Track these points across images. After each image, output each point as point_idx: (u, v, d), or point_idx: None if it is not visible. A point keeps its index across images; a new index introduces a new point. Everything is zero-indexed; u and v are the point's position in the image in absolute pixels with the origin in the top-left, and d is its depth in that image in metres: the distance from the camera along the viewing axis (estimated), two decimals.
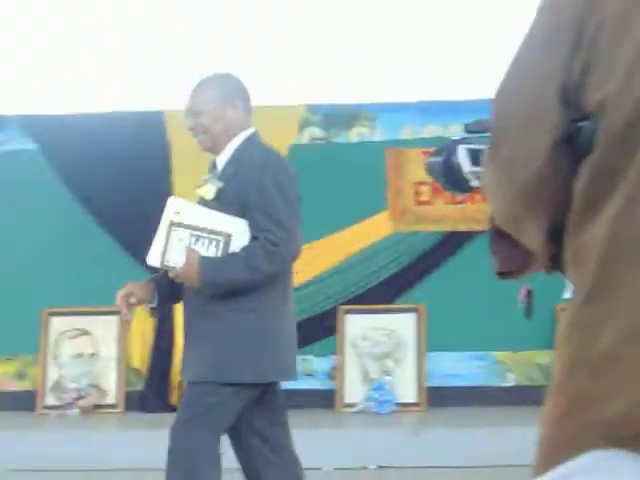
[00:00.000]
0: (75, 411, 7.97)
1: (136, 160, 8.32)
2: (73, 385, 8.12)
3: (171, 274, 3.75)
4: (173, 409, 7.96)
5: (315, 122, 8.53)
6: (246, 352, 3.73)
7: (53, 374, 8.24)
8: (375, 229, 8.35)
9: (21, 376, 8.40)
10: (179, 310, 8.31)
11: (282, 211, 3.76)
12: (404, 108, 8.36)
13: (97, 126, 8.42)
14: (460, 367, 8.17)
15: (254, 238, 3.70)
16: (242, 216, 3.73)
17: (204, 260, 3.66)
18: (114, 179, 8.35)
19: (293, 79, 8.69)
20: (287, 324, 3.88)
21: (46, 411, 8.05)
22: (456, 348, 8.14)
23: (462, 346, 8.13)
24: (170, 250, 3.71)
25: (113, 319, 8.24)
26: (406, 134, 8.39)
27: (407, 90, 8.50)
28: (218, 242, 3.65)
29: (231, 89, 3.99)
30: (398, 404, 7.86)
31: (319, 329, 8.27)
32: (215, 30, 8.70)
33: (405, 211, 8.37)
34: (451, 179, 2.12)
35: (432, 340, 8.08)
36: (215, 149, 3.98)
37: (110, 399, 8.18)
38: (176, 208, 3.76)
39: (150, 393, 8.21)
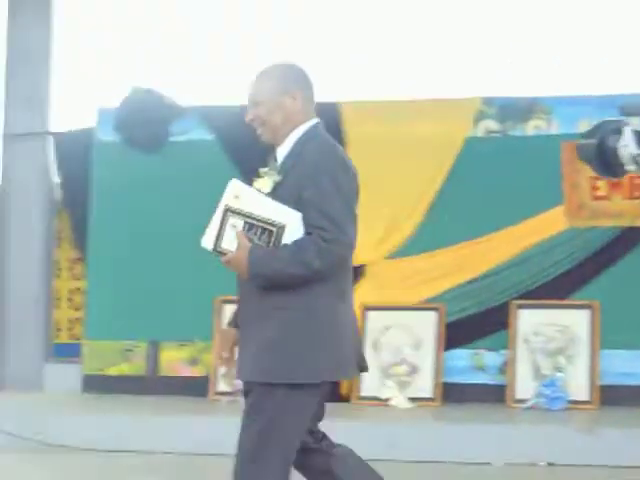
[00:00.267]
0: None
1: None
2: None
3: (222, 260, 3.68)
4: (343, 399, 8.04)
5: (491, 115, 8.43)
6: (297, 351, 3.59)
7: None
8: (550, 224, 8.20)
9: (194, 362, 8.60)
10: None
11: (337, 209, 3.60)
12: (581, 101, 8.18)
13: None
14: (635, 366, 7.96)
15: (308, 234, 3.58)
16: (298, 209, 3.62)
17: (254, 249, 3.58)
18: None
19: (469, 71, 8.62)
20: (342, 323, 3.71)
21: (217, 397, 8.22)
22: (631, 346, 7.93)
23: (637, 344, 7.92)
24: (224, 235, 3.64)
25: None
26: (583, 128, 8.19)
27: (585, 83, 8.32)
28: (271, 232, 3.57)
29: (290, 79, 3.81)
30: (570, 401, 7.71)
31: (492, 323, 8.19)
32: (402, 23, 8.71)
33: (582, 206, 8.19)
34: (605, 162, 2.00)
35: (606, 337, 7.89)
36: (275, 141, 3.84)
37: None
38: (236, 192, 3.67)
39: None
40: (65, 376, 8.80)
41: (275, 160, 3.82)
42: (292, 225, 3.57)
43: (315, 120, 3.84)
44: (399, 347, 8.21)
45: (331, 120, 8.42)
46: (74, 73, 9.35)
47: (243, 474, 3.59)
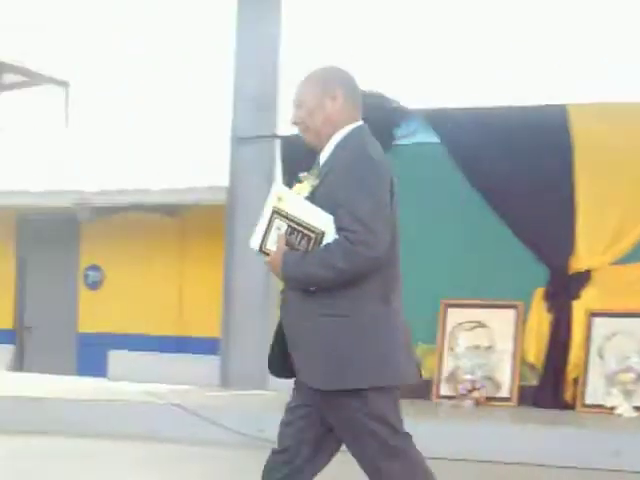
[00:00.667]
0: (469, 402, 8.07)
1: (536, 157, 8.29)
2: (468, 376, 8.22)
3: (265, 261, 3.72)
4: (567, 406, 7.88)
5: None
6: (343, 356, 3.58)
7: (449, 364, 8.38)
8: None
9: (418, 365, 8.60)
10: (578, 305, 8.29)
11: (366, 211, 3.54)
12: None
13: (497, 120, 8.47)
14: None
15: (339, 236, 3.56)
16: (332, 215, 3.59)
17: (288, 252, 3.61)
18: (513, 174, 8.37)
19: None
20: (388, 327, 3.68)
21: (441, 400, 8.21)
22: None
23: None
24: (269, 237, 3.68)
25: (510, 313, 8.28)
26: None
27: None
28: (310, 238, 3.59)
29: (330, 81, 3.80)
30: None
31: None
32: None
33: None
34: None
35: None
36: (319, 144, 3.82)
37: (504, 392, 8.21)
38: (279, 194, 3.68)
39: (544, 388, 8.16)
40: None
41: (318, 164, 3.82)
42: (330, 231, 3.58)
43: (357, 123, 3.81)
44: (625, 354, 7.98)
45: (558, 122, 8.29)
46: (301, 76, 9.52)
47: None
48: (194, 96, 12.17)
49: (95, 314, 12.54)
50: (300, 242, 3.60)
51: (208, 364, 9.70)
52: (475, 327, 8.43)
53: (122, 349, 11.04)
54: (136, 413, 8.09)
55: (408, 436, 3.80)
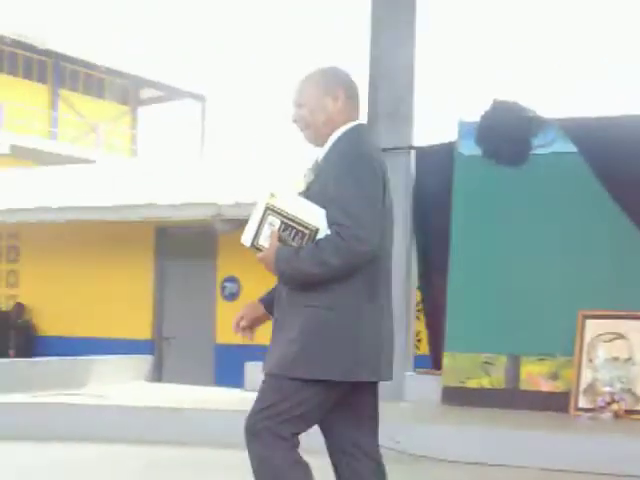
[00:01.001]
0: (607, 415, 7.91)
1: None
2: (607, 389, 8.06)
3: (257, 256, 3.73)
4: None
5: None
6: (318, 348, 3.60)
7: (587, 377, 8.23)
8: None
9: (555, 377, 8.49)
10: None
11: (356, 206, 3.57)
12: None
13: (635, 128, 8.32)
14: None
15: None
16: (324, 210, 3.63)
17: (281, 248, 3.64)
18: None
19: None
20: (371, 322, 3.68)
21: (578, 413, 8.07)
22: None
23: None
24: (262, 233, 3.68)
25: None
26: None
27: None
28: (304, 234, 3.61)
29: (332, 81, 3.86)
30: None
31: None
32: None
33: None
34: None
35: None
36: (319, 142, 3.86)
37: None
38: (272, 191, 3.68)
39: None
40: (424, 387, 8.95)
41: (316, 161, 3.85)
42: (323, 227, 3.60)
43: (355, 122, 3.85)
44: None
45: None
46: (436, 87, 9.50)
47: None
48: None
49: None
50: (294, 238, 3.62)
51: None
52: (614, 339, 8.26)
53: (258, 360, 11.15)
54: None
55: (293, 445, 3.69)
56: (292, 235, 3.62)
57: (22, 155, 29.29)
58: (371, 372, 3.70)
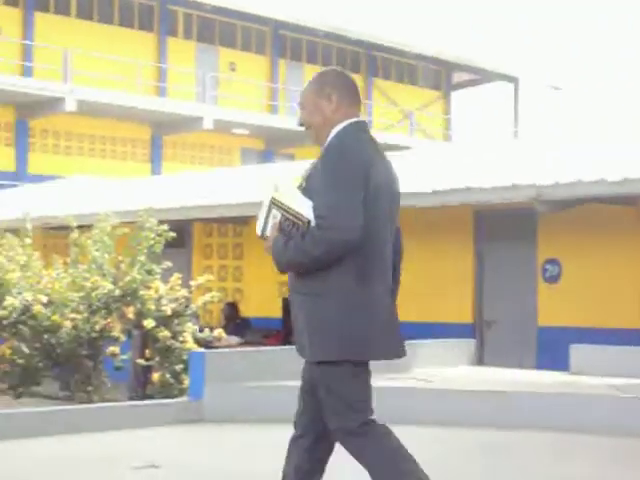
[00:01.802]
0: None
1: None
2: None
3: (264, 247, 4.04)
4: None
5: None
6: (322, 330, 3.90)
7: None
8: None
9: None
10: None
11: (335, 198, 3.83)
12: None
13: None
14: None
15: None
16: None
17: (277, 239, 3.95)
18: None
19: None
20: (361, 306, 3.91)
21: None
22: None
23: None
24: (269, 224, 4.02)
25: None
26: None
27: None
28: (299, 226, 3.88)
29: (326, 82, 4.15)
30: None
31: None
32: None
33: None
34: None
35: None
36: (320, 141, 4.12)
37: None
38: (276, 185, 4.02)
39: None
40: None
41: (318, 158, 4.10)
42: (313, 219, 3.88)
43: (350, 120, 4.10)
44: None
45: None
46: None
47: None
48: None
49: (554, 308, 12.50)
50: (292, 229, 3.93)
51: None
52: None
53: (583, 343, 10.91)
54: (599, 407, 7.97)
55: (370, 421, 3.99)
56: (290, 226, 3.94)
57: None
58: (365, 352, 3.95)
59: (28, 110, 26.65)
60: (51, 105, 26.21)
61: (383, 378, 9.03)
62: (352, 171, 3.92)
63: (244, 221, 16.14)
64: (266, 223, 4.05)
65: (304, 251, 3.86)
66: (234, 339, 13.87)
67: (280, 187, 4.04)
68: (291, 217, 3.93)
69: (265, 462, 6.50)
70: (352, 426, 3.95)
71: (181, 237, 11.89)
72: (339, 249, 3.84)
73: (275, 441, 7.40)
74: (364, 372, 4.01)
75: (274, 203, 4.01)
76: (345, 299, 3.90)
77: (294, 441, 4.18)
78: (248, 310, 16.41)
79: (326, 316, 3.90)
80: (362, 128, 4.16)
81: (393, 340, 4.05)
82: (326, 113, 4.13)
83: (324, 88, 4.16)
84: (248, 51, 32.36)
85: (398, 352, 4.07)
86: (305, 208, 3.93)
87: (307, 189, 3.98)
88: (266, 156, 30.80)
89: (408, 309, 14.37)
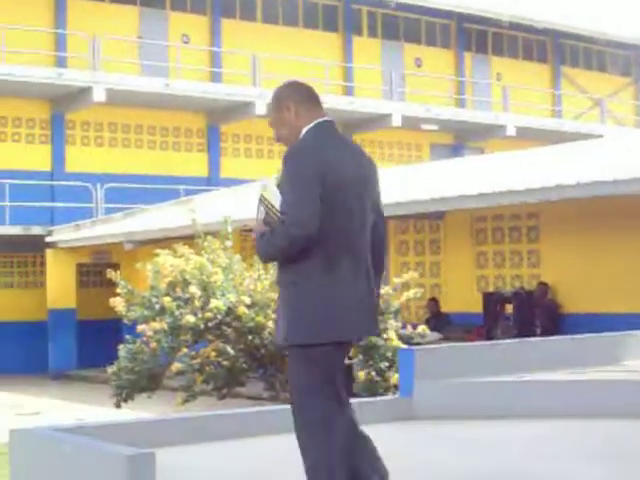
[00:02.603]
0: None
1: None
2: None
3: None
4: None
5: None
6: (290, 317, 4.36)
7: None
8: None
9: None
10: None
11: (292, 195, 4.28)
12: None
13: None
14: None
15: None
16: None
17: (256, 232, 4.42)
18: None
19: None
20: (333, 291, 4.35)
21: None
22: None
23: None
24: (257, 219, 4.46)
25: None
26: None
27: None
28: (276, 221, 4.33)
29: (281, 95, 4.59)
30: None
31: None
32: None
33: None
34: None
35: None
36: None
37: None
38: (264, 184, 4.47)
39: None
40: None
41: None
42: None
43: (314, 122, 4.50)
44: None
45: None
46: None
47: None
48: None
49: None
50: (274, 224, 4.36)
51: None
52: None
53: None
54: None
55: (334, 403, 4.39)
56: (272, 221, 4.36)
57: (527, 135, 29.64)
58: (337, 334, 4.37)
59: (219, 116, 27.20)
60: (241, 110, 26.66)
61: (591, 371, 8.73)
62: (305, 170, 4.33)
63: (440, 216, 15.99)
64: (257, 218, 4.49)
65: (273, 244, 4.34)
66: (435, 335, 13.73)
67: (267, 186, 4.47)
68: (271, 213, 4.37)
69: (488, 458, 6.39)
70: (296, 404, 4.41)
71: None
72: (300, 241, 4.29)
73: (491, 437, 7.30)
74: (329, 353, 4.40)
75: (261, 200, 4.44)
76: (313, 286, 4.35)
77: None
78: (447, 306, 16.24)
79: (296, 303, 4.37)
80: (323, 127, 4.55)
81: (363, 321, 4.47)
82: (290, 122, 4.55)
83: (281, 102, 4.58)
84: (433, 46, 32.15)
85: (368, 331, 4.60)
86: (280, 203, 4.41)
87: (280, 187, 4.43)
88: (456, 150, 30.53)
89: (617, 301, 13.99)
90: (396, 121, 28.47)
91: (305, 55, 28.66)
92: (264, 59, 27.67)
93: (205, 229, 13.85)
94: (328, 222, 4.30)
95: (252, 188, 22.43)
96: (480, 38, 33.17)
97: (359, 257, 4.46)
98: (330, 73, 29.29)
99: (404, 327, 11.16)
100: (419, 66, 31.61)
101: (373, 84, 30.29)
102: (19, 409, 15.38)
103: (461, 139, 31.17)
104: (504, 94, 31.83)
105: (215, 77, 27.65)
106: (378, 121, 28.79)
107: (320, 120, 4.55)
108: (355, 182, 4.43)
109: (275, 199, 4.38)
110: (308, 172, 4.33)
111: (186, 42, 27.70)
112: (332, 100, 27.94)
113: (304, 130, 4.51)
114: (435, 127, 29.89)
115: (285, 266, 4.43)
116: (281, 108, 4.58)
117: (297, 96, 4.60)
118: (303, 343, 4.37)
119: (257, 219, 4.46)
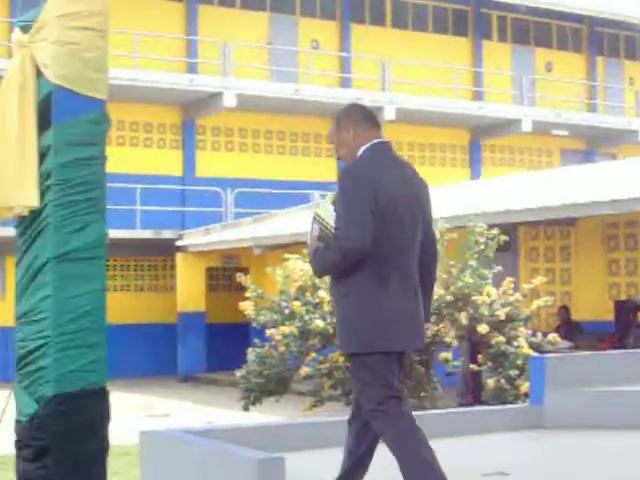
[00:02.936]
0: None
1: None
2: None
3: None
4: None
5: None
6: (346, 327, 4.62)
7: None
8: None
9: None
10: None
11: (345, 214, 4.51)
12: None
13: None
14: None
15: None
16: None
17: (310, 248, 4.65)
18: None
19: None
20: (383, 304, 4.55)
21: None
22: None
23: None
24: (312, 235, 4.66)
25: None
26: None
27: None
28: (330, 236, 4.57)
29: (342, 118, 4.85)
30: None
31: None
32: None
33: None
34: None
35: None
36: None
37: None
38: (318, 202, 4.72)
39: None
40: None
41: None
42: None
43: (370, 143, 4.76)
44: None
45: None
46: None
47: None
48: None
49: None
50: (327, 239, 4.57)
51: None
52: None
53: None
54: None
55: (396, 400, 4.54)
56: (326, 237, 4.58)
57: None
58: (386, 344, 4.56)
59: None
60: None
61: None
62: (358, 187, 4.57)
63: (571, 223, 15.72)
64: (312, 235, 4.70)
65: (327, 259, 4.58)
66: (565, 343, 13.50)
67: (321, 203, 4.72)
68: (326, 229, 4.59)
69: (621, 468, 6.22)
70: (370, 407, 4.57)
71: (506, 241, 11.69)
72: (352, 256, 4.51)
73: (624, 447, 7.11)
74: (382, 361, 4.58)
75: (315, 218, 4.66)
76: (364, 299, 4.56)
77: (348, 424, 4.85)
78: (577, 314, 15.94)
79: (350, 314, 4.60)
80: (378, 147, 4.79)
81: (410, 334, 4.66)
82: (348, 143, 4.81)
83: (341, 123, 4.85)
84: (564, 50, 31.61)
85: (414, 345, 4.77)
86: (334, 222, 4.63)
87: (335, 205, 4.65)
88: (587, 156, 29.97)
89: None
90: (526, 126, 28.12)
91: (434, 60, 28.53)
92: (393, 64, 27.64)
93: None
94: (380, 237, 4.53)
95: None
96: (612, 42, 32.47)
97: (407, 275, 4.69)
98: (460, 78, 29.09)
99: (534, 335, 10.98)
100: (549, 70, 31.12)
101: (503, 89, 29.97)
102: (150, 410, 15.63)
103: (592, 144, 30.60)
104: (637, 99, 31.13)
105: (344, 82, 27.73)
106: (508, 126, 28.48)
107: (376, 141, 4.82)
108: (407, 200, 4.66)
109: (329, 217, 4.62)
110: (361, 189, 4.58)
111: (315, 47, 27.86)
112: (461, 105, 27.75)
113: (361, 150, 4.78)
114: (566, 132, 29.41)
115: (338, 279, 4.68)
116: (341, 129, 4.86)
117: (355, 118, 4.88)
118: (359, 352, 4.64)
119: (311, 236, 4.68)
